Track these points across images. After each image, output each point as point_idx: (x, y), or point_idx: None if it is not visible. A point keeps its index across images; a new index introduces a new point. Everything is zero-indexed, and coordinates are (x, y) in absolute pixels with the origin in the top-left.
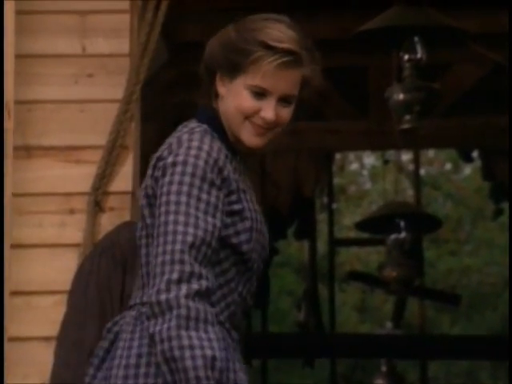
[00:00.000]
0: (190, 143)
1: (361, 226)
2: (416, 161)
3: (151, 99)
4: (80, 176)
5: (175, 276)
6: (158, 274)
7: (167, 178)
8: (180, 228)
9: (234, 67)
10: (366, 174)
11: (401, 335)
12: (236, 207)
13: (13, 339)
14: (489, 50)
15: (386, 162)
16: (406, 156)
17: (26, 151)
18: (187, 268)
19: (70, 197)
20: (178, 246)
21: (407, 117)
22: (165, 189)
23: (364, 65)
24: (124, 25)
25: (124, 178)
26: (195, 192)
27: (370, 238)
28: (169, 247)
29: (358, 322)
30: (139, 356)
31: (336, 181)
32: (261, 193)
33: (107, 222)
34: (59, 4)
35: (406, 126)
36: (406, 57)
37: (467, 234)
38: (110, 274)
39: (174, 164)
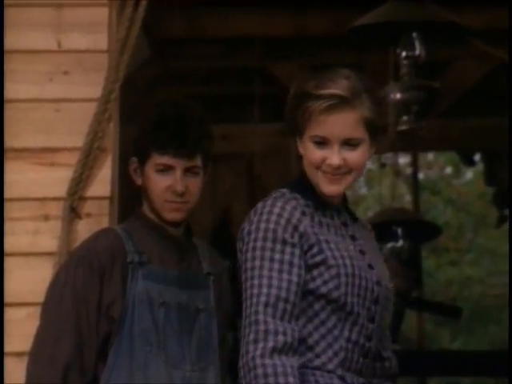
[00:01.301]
0: (262, 209)
1: None
2: (414, 164)
3: (131, 98)
4: (55, 180)
5: (251, 337)
6: (241, 339)
7: (244, 248)
8: (255, 291)
9: (299, 125)
10: (360, 179)
11: (397, 350)
12: (318, 258)
13: None
14: (492, 46)
15: (382, 165)
16: (404, 159)
17: None
18: (261, 327)
19: (45, 202)
20: (253, 308)
21: (405, 117)
22: (243, 258)
23: (359, 62)
24: (102, 19)
25: (102, 182)
26: (267, 254)
27: None
28: (248, 311)
29: None
30: None
31: None
32: (248, 199)
33: (84, 229)
34: None
35: (403, 127)
36: (404, 54)
37: (469, 242)
38: (87, 285)
39: (249, 233)
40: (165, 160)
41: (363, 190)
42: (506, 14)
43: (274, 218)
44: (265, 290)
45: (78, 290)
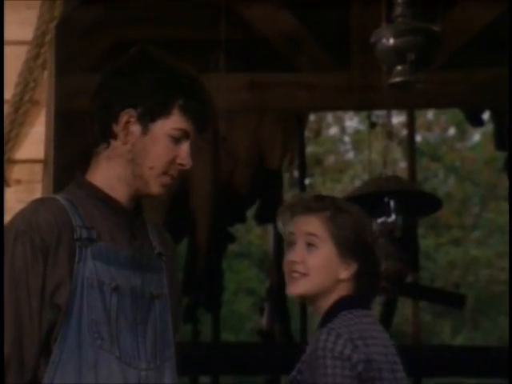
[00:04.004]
0: None
1: None
2: (410, 124)
3: (69, 42)
4: None
5: None
6: None
7: None
8: None
9: None
10: (347, 141)
11: None
12: None
13: None
14: None
15: (372, 125)
16: (398, 118)
17: None
18: None
19: None
20: None
21: (399, 67)
22: None
23: (344, 0)
24: None
25: (34, 142)
26: None
27: None
28: None
29: None
30: None
31: (310, 149)
32: (213, 164)
33: (12, 199)
34: None
35: (397, 79)
36: None
37: (475, 217)
38: (28, 267)
39: None
40: (185, 125)
41: (350, 155)
42: None
43: None
44: None
45: (17, 272)
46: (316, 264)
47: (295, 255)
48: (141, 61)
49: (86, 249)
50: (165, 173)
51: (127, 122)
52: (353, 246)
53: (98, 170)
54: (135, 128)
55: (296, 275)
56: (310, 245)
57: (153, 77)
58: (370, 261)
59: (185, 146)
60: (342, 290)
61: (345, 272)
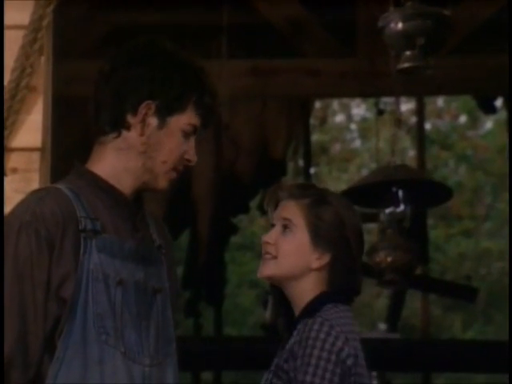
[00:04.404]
0: None
1: (347, 196)
2: (420, 112)
3: (67, 27)
4: None
5: None
6: None
7: None
8: None
9: None
10: (354, 129)
11: (398, 340)
12: None
13: None
14: None
15: (380, 112)
16: (407, 105)
17: None
18: None
19: None
20: None
21: (408, 53)
22: None
23: None
24: None
25: (31, 130)
26: None
27: (359, 213)
28: None
29: None
30: None
31: (315, 137)
32: (215, 153)
33: (9, 188)
34: None
35: (406, 64)
36: None
37: (487, 207)
38: (33, 258)
39: None
40: (196, 121)
41: (357, 144)
42: None
43: None
44: None
45: (21, 264)
46: (287, 248)
47: (269, 236)
48: (153, 51)
49: (91, 240)
50: (174, 168)
51: (145, 114)
52: (327, 236)
53: (102, 160)
54: (152, 120)
55: (267, 256)
56: (285, 228)
57: (170, 70)
58: (346, 255)
59: (192, 142)
60: (314, 280)
61: (316, 261)
